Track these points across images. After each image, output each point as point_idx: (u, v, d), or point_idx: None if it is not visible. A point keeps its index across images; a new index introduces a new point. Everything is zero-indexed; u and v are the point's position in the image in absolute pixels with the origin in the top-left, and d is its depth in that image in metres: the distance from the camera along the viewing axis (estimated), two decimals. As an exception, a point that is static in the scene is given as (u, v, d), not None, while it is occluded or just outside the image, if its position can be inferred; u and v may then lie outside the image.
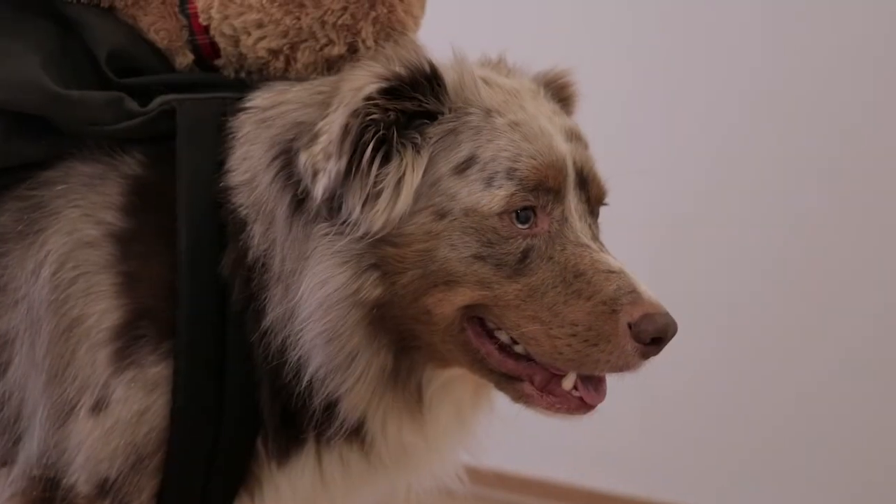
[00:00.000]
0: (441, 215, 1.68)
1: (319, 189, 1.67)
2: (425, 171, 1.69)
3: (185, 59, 1.88)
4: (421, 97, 1.70)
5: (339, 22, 1.83)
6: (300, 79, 1.85)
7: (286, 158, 1.74)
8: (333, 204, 1.69)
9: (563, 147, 1.73)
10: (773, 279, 3.40)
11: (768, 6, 3.34)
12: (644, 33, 3.43)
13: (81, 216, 1.80)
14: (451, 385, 1.81)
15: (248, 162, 1.77)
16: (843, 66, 3.30)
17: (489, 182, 1.68)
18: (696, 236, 3.43)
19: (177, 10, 1.87)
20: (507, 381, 1.73)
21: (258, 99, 1.82)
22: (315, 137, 1.69)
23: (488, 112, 1.72)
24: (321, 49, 1.84)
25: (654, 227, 3.31)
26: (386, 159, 1.68)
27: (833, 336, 3.37)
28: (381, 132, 1.68)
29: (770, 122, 3.37)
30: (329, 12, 1.82)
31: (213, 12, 1.85)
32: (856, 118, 3.29)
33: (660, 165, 3.24)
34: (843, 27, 3.29)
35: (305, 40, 1.84)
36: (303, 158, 1.69)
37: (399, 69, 1.70)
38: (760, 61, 3.36)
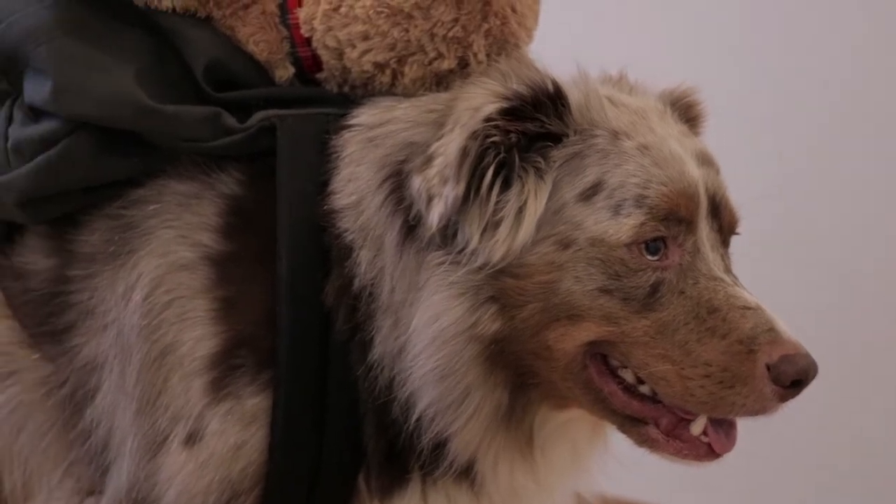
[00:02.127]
0: (565, 245, 1.54)
1: (435, 216, 1.54)
2: (549, 198, 1.55)
3: (285, 72, 1.75)
4: (544, 118, 1.57)
5: (450, 34, 1.69)
6: (407, 95, 1.72)
7: (396, 181, 1.61)
8: (448, 231, 1.56)
9: (695, 172, 1.59)
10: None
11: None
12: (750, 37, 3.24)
13: (176, 237, 1.69)
14: (568, 424, 1.68)
15: (355, 184, 1.64)
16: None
17: (617, 210, 1.54)
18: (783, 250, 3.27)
19: (277, 20, 1.74)
20: (631, 424, 1.59)
21: (364, 116, 1.69)
22: (429, 160, 1.56)
23: (615, 134, 1.58)
24: (430, 63, 1.71)
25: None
26: (506, 185, 1.55)
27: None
28: (501, 155, 1.54)
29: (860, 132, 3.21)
30: (439, 24, 1.69)
31: (316, 23, 1.72)
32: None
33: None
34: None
35: (413, 54, 1.70)
36: (416, 182, 1.56)
37: (520, 88, 1.56)
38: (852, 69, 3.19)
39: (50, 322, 1.76)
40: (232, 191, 1.70)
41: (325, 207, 1.65)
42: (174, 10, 1.73)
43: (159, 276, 1.67)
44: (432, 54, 1.70)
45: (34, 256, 1.78)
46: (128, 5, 1.73)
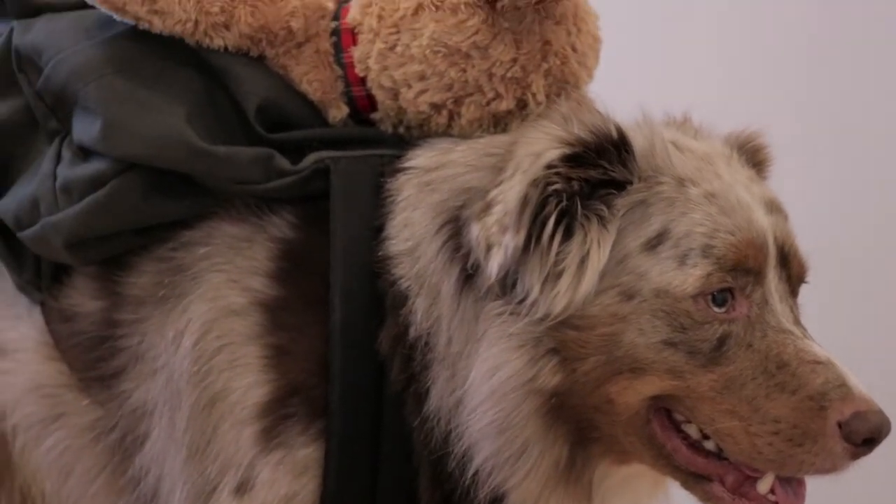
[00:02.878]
0: (629, 296, 1.49)
1: (494, 265, 1.49)
2: (612, 247, 1.50)
3: (339, 112, 1.70)
4: (607, 165, 1.51)
5: (508, 75, 1.64)
6: (464, 136, 1.67)
7: (453, 227, 1.56)
8: (507, 280, 1.51)
9: (764, 221, 1.53)
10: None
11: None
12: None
13: (226, 281, 1.65)
14: (629, 479, 1.62)
15: (410, 229, 1.59)
16: None
17: (683, 260, 1.48)
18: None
19: (331, 59, 1.69)
20: (695, 481, 1.53)
21: (420, 158, 1.64)
22: (488, 207, 1.51)
23: (681, 181, 1.52)
24: (488, 104, 1.65)
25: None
26: (568, 233, 1.49)
27: None
28: (563, 203, 1.49)
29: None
30: (497, 64, 1.64)
31: (371, 63, 1.67)
32: None
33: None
34: None
35: (471, 94, 1.65)
36: (475, 230, 1.51)
37: (583, 133, 1.51)
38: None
39: (99, 366, 1.72)
40: (284, 234, 1.65)
41: (379, 253, 1.60)
42: (226, 48, 1.68)
43: (209, 322, 1.63)
44: (490, 95, 1.65)
45: (82, 299, 1.75)
46: (179, 43, 1.68)
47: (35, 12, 1.80)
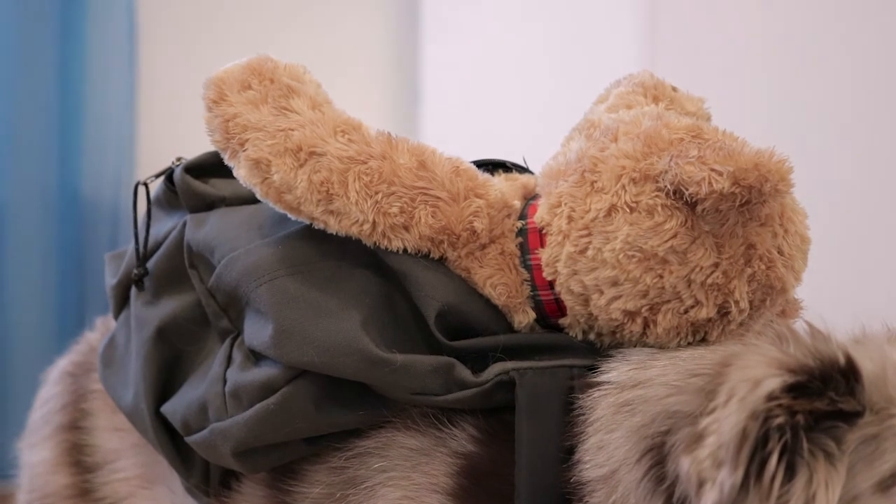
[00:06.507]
0: None
1: (707, 503, 1.24)
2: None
3: (525, 317, 1.49)
4: (834, 395, 1.26)
5: (709, 281, 1.41)
6: (660, 344, 1.45)
7: (657, 455, 1.32)
8: None
9: None
10: None
11: None
12: None
13: (402, 498, 1.45)
14: None
15: (606, 453, 1.36)
16: None
17: None
18: None
19: (517, 261, 1.49)
20: None
21: (614, 373, 1.41)
22: (700, 438, 1.27)
23: None
24: (686, 311, 1.43)
25: None
26: (790, 471, 1.24)
27: None
28: (786, 438, 1.24)
29: None
30: (697, 269, 1.41)
31: (560, 266, 1.46)
32: None
33: None
34: None
35: (668, 301, 1.42)
36: (685, 463, 1.27)
37: (806, 359, 1.26)
38: None
39: None
40: (465, 449, 1.44)
41: (571, 478, 1.37)
42: (405, 250, 1.48)
43: None
44: (689, 302, 1.42)
45: (251, 506, 1.55)
46: (355, 244, 1.50)
47: (208, 206, 1.65)
